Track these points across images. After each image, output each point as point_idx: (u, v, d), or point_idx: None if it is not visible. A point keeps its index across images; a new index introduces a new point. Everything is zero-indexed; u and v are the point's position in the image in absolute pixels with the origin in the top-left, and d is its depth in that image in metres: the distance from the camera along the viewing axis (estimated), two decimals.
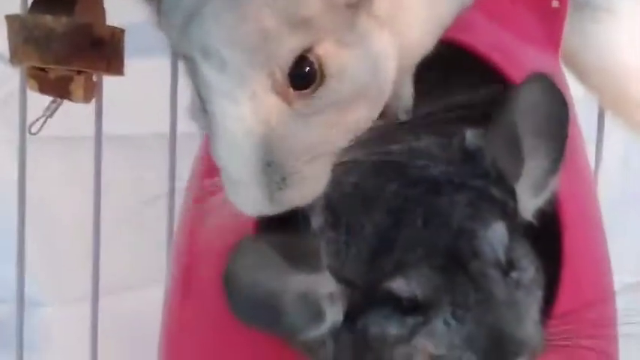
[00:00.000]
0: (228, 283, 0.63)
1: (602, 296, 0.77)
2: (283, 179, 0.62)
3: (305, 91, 0.62)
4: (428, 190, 0.65)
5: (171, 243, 0.89)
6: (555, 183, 0.70)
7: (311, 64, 0.62)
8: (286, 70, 0.62)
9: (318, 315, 0.65)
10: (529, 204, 0.69)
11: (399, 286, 0.62)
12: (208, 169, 0.80)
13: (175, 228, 0.88)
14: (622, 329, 0.77)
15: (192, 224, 0.81)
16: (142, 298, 1.24)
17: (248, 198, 0.63)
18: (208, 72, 0.62)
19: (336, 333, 0.66)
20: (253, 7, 0.61)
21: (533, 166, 0.69)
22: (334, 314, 0.65)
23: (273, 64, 0.61)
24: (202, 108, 0.65)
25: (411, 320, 0.62)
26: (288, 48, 0.61)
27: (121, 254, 1.24)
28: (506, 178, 0.68)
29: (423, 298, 0.62)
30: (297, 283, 0.64)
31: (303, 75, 0.62)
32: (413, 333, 0.62)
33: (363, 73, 0.64)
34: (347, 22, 0.64)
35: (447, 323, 0.61)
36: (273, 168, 0.62)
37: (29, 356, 1.09)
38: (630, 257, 1.50)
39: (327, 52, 0.63)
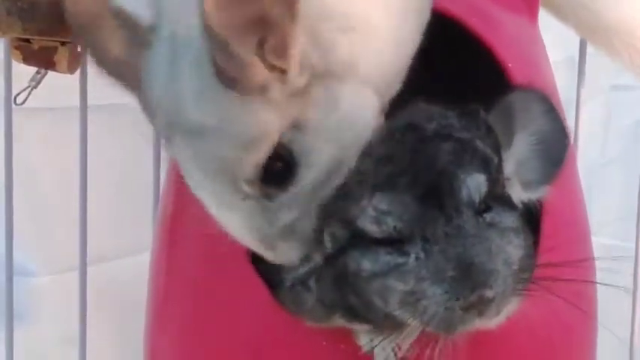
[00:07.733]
0: None
1: (580, 252, 0.78)
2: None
3: (283, 185, 0.64)
4: (417, 138, 0.67)
5: (157, 209, 0.90)
6: (545, 192, 0.71)
7: (279, 161, 0.63)
8: (257, 178, 0.63)
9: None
10: (517, 193, 0.70)
11: (380, 210, 0.64)
12: None
13: (161, 194, 0.90)
14: (600, 289, 0.78)
15: (177, 189, 0.82)
16: (131, 266, 1.26)
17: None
18: (194, 185, 0.66)
19: (319, 272, 0.68)
20: (211, 139, 0.63)
21: (524, 161, 0.70)
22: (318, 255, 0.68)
23: (240, 182, 0.63)
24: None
25: (384, 258, 0.64)
26: (251, 165, 0.63)
27: (109, 223, 1.25)
28: (494, 136, 0.69)
29: (399, 230, 0.63)
30: None
31: (276, 173, 0.64)
32: (386, 272, 0.64)
33: (327, 152, 0.64)
34: (304, 100, 0.64)
35: (417, 258, 0.63)
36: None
37: (19, 326, 1.10)
38: (610, 218, 1.51)
39: (290, 141, 0.63)
